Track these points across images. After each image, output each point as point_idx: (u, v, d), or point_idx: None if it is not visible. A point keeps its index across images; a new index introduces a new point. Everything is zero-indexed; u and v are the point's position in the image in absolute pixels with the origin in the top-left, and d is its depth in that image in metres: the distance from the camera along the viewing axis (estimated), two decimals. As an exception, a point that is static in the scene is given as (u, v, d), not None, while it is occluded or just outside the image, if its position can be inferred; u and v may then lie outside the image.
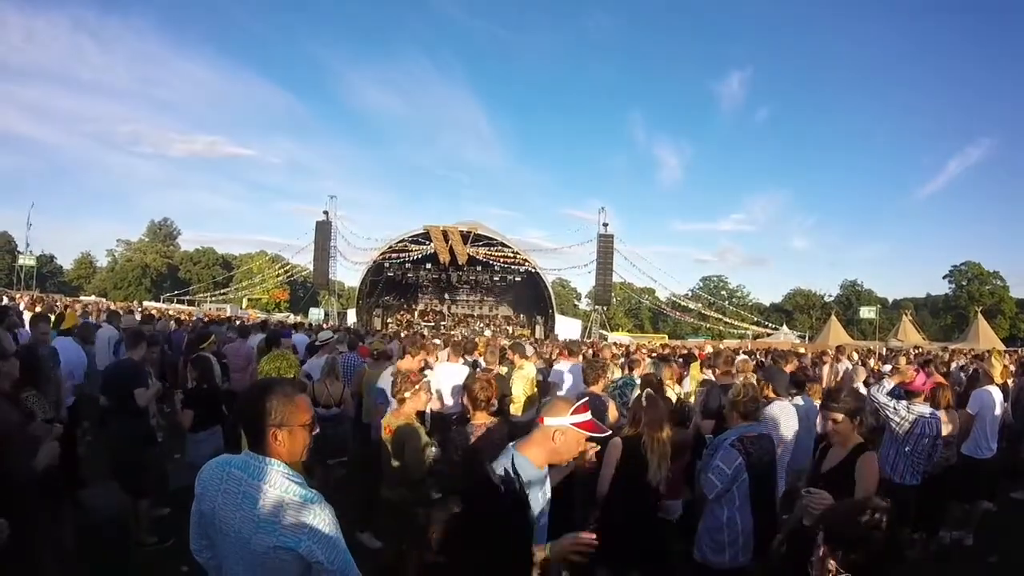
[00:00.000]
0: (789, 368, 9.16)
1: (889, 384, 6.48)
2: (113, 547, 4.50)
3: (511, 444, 3.24)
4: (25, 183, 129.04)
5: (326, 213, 47.58)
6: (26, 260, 63.10)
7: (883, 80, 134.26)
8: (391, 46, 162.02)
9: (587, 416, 3.15)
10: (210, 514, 2.46)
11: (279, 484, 2.42)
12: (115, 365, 7.10)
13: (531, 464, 3.08)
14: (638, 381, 7.30)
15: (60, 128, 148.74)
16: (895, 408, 6.33)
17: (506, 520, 2.13)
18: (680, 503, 5.67)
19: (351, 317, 48.95)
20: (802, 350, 21.03)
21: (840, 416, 4.14)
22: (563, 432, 3.08)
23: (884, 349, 22.64)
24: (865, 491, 3.73)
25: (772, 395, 6.42)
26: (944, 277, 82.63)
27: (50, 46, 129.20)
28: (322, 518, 2.39)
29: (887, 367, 11.77)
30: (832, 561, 2.25)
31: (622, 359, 12.49)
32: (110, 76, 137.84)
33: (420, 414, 5.62)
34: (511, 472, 2.83)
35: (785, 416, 6.19)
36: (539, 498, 3.10)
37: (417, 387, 5.16)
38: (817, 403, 7.25)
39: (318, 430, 2.69)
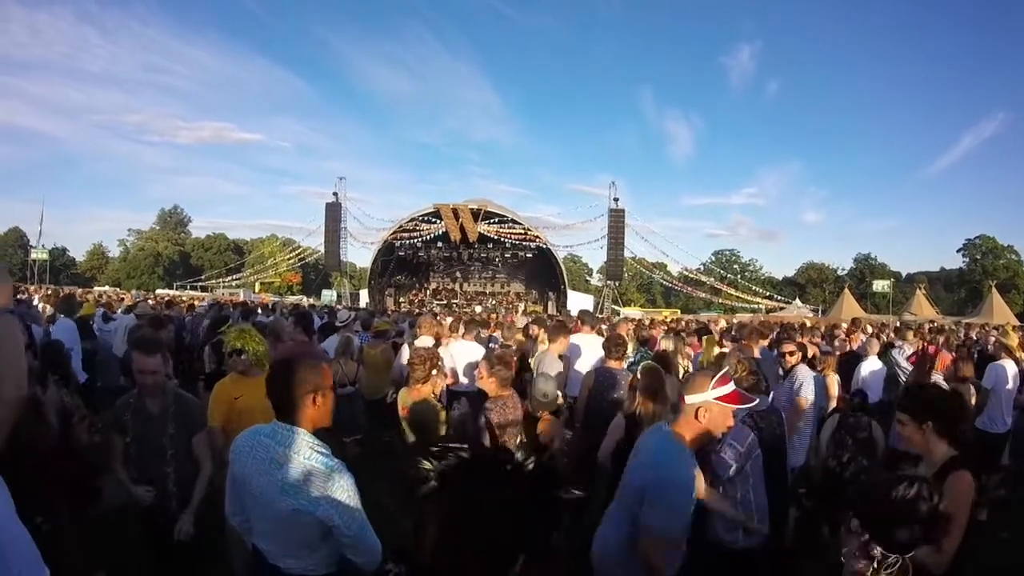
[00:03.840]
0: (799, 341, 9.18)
1: (908, 349, 6.46)
2: (129, 533, 4.54)
3: (663, 423, 3.15)
4: (35, 177, 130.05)
5: (335, 195, 47.59)
6: (39, 254, 63.48)
7: (896, 50, 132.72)
8: (397, 24, 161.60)
9: (729, 387, 3.03)
10: (241, 477, 2.74)
11: (304, 452, 2.63)
12: None
13: (676, 442, 3.00)
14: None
15: (67, 121, 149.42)
16: (912, 373, 6.27)
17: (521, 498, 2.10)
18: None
19: (363, 298, 49.10)
20: (807, 323, 20.92)
21: (904, 417, 3.36)
22: (707, 408, 2.98)
23: (897, 323, 22.54)
24: (959, 518, 2.89)
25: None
26: (958, 251, 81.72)
27: (54, 39, 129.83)
28: (341, 485, 2.59)
29: (897, 341, 11.75)
30: (877, 547, 2.12)
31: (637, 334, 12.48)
32: (116, 66, 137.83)
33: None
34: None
35: (809, 381, 6.19)
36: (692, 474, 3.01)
37: (434, 367, 5.16)
38: (831, 376, 7.28)
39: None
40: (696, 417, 2.97)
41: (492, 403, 4.72)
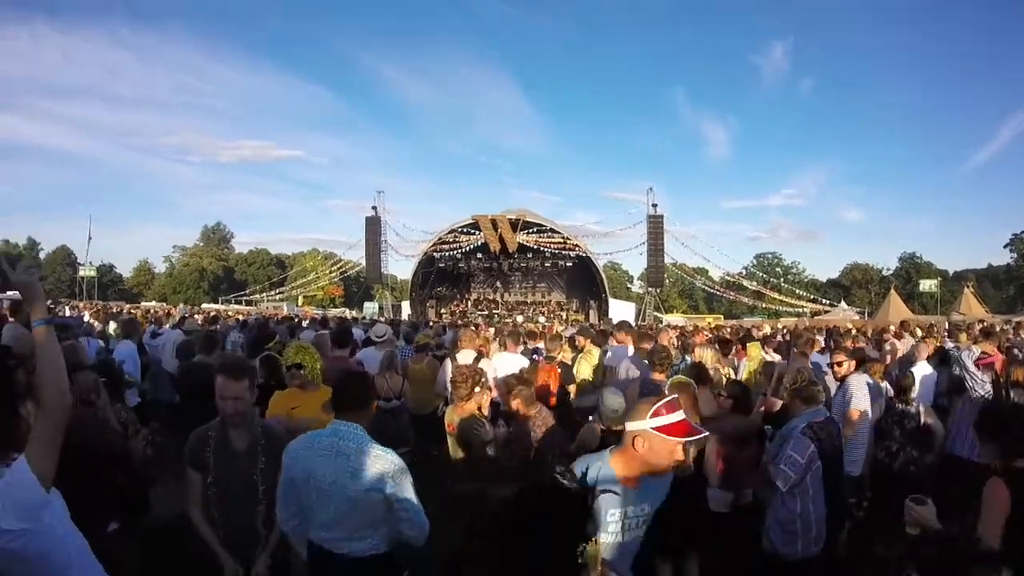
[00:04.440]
0: (848, 345, 9.02)
1: (976, 350, 6.30)
2: (180, 545, 4.63)
3: (607, 451, 2.98)
4: (82, 197, 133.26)
5: (375, 208, 48.20)
6: (87, 271, 64.94)
7: (933, 41, 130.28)
8: (428, 38, 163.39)
9: (675, 417, 2.75)
10: (303, 478, 3.18)
11: (366, 443, 3.19)
12: (194, 366, 7.36)
13: (612, 473, 2.82)
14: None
15: (112, 143, 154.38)
16: (982, 380, 6.11)
17: (564, 516, 2.08)
18: (730, 495, 5.01)
19: (405, 309, 49.40)
20: (849, 326, 20.53)
21: (987, 438, 3.47)
22: (645, 438, 2.74)
23: (946, 323, 22.04)
24: (990, 527, 3.02)
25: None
26: (1005, 246, 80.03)
27: (97, 66, 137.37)
28: (399, 469, 3.16)
29: (950, 344, 11.45)
30: None
31: (678, 342, 12.37)
32: (154, 91, 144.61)
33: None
34: (574, 472, 2.74)
35: (863, 391, 6.09)
36: (616, 505, 2.81)
37: (477, 383, 5.18)
38: (882, 383, 7.13)
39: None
40: (633, 445, 2.77)
41: (531, 422, 4.75)
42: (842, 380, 6.56)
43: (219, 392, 3.53)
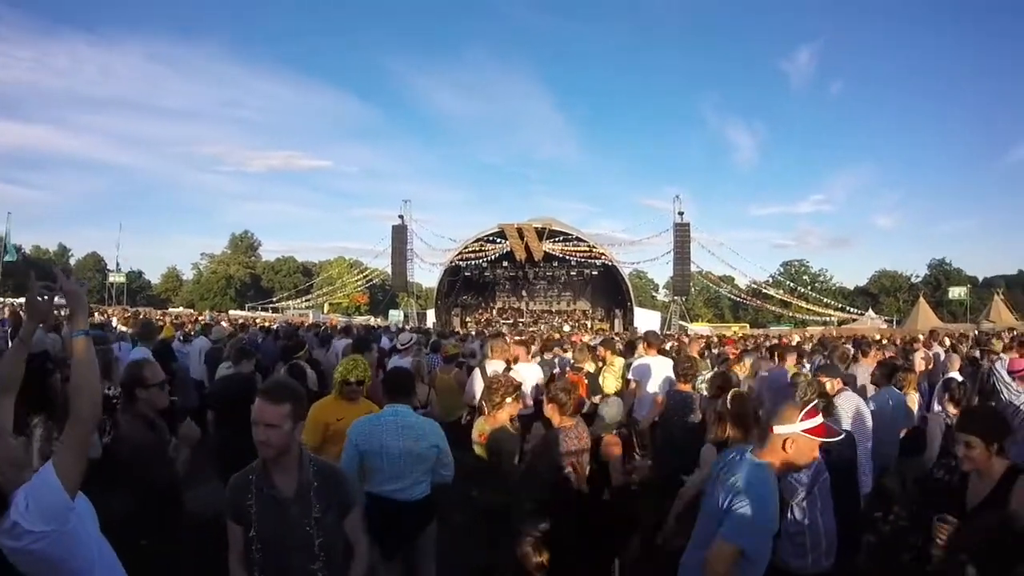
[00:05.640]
0: (875, 356, 8.91)
1: (1007, 358, 6.21)
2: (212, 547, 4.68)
3: (746, 450, 3.23)
4: (112, 205, 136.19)
5: (401, 217, 48.68)
6: (116, 278, 65.84)
7: (963, 43, 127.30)
8: (456, 46, 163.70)
9: (817, 420, 3.07)
10: (375, 450, 4.30)
11: (418, 418, 4.58)
12: (228, 379, 7.40)
13: (767, 469, 3.06)
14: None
15: (143, 152, 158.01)
16: (1017, 390, 5.97)
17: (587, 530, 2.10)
18: None
19: (430, 317, 49.52)
20: (877, 336, 20.28)
21: (974, 440, 3.41)
22: (793, 440, 3.05)
23: (976, 331, 21.70)
24: None
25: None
26: (1036, 252, 78.69)
27: (131, 78, 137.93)
28: (441, 432, 4.62)
29: (976, 352, 11.26)
30: None
31: (707, 353, 12.29)
32: (192, 101, 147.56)
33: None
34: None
35: (853, 407, 5.96)
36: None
37: (513, 394, 5.16)
38: (912, 395, 7.02)
39: None
40: (783, 448, 3.03)
41: (564, 433, 4.74)
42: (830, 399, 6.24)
43: (254, 416, 2.95)
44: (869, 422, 5.99)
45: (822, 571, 4.06)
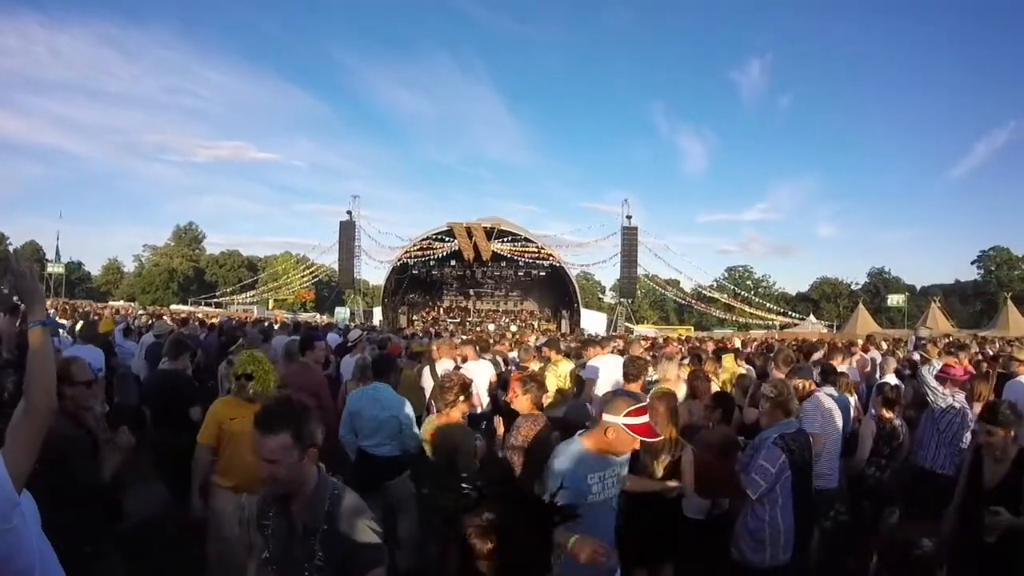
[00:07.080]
0: (816, 358, 9.13)
1: (938, 364, 6.41)
2: (152, 548, 4.64)
3: (577, 434, 3.57)
4: (53, 192, 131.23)
5: (349, 213, 48.15)
6: (55, 268, 63.95)
7: (907, 61, 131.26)
8: (411, 44, 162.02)
9: (642, 419, 3.36)
10: (355, 413, 5.76)
11: (389, 394, 5.86)
12: (163, 375, 6.99)
13: (583, 447, 3.44)
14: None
15: (87, 139, 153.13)
16: (943, 393, 6.21)
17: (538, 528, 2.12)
18: (706, 503, 5.02)
19: (376, 315, 49.27)
20: (815, 339, 20.73)
21: (1003, 432, 4.12)
22: (615, 430, 3.35)
23: (913, 336, 22.34)
24: None
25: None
26: (972, 263, 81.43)
27: (76, 60, 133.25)
28: (406, 406, 5.82)
29: (916, 356, 11.59)
30: None
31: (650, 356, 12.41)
32: (136, 87, 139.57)
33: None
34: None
35: (821, 408, 6.13)
36: (592, 470, 3.43)
37: (463, 392, 5.16)
38: (849, 397, 7.22)
39: None
40: (605, 433, 3.38)
41: (523, 419, 4.82)
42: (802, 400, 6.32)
43: (255, 450, 2.59)
44: (839, 420, 6.14)
45: (779, 564, 4.24)
